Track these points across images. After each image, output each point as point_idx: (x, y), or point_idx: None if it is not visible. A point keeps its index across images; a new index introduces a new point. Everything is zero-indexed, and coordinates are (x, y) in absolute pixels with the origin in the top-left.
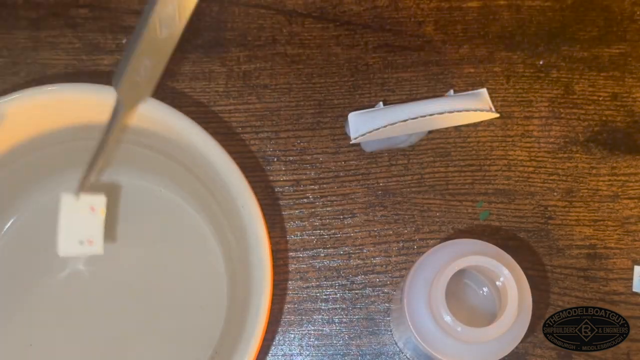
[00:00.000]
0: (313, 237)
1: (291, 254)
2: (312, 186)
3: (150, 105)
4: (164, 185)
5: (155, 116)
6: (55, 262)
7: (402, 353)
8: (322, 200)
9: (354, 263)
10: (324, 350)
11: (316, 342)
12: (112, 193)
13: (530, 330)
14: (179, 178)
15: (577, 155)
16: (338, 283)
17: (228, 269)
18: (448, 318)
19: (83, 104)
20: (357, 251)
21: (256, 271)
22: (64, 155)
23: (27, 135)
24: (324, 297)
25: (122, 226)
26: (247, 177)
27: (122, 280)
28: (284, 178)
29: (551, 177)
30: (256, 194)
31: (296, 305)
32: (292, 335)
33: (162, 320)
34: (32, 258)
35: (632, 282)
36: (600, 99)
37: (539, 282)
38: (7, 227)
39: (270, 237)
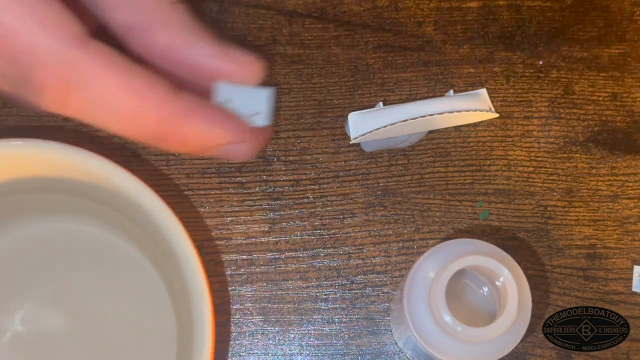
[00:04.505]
0: (313, 237)
1: (291, 254)
2: (312, 186)
3: (85, 159)
4: (107, 231)
5: (91, 169)
6: None
7: (402, 353)
8: (322, 200)
9: (354, 263)
10: (324, 350)
11: (316, 342)
12: (55, 242)
13: (530, 330)
14: (120, 225)
15: (577, 155)
16: (338, 283)
17: (177, 318)
18: (448, 318)
19: None
20: (357, 251)
21: (198, 327)
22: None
23: None
24: (324, 297)
25: (65, 275)
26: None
27: (66, 334)
28: (284, 178)
29: (551, 177)
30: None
31: (296, 305)
32: (292, 335)
33: None
34: None
35: (632, 282)
36: (600, 99)
37: (539, 282)
38: None
39: (271, 237)
